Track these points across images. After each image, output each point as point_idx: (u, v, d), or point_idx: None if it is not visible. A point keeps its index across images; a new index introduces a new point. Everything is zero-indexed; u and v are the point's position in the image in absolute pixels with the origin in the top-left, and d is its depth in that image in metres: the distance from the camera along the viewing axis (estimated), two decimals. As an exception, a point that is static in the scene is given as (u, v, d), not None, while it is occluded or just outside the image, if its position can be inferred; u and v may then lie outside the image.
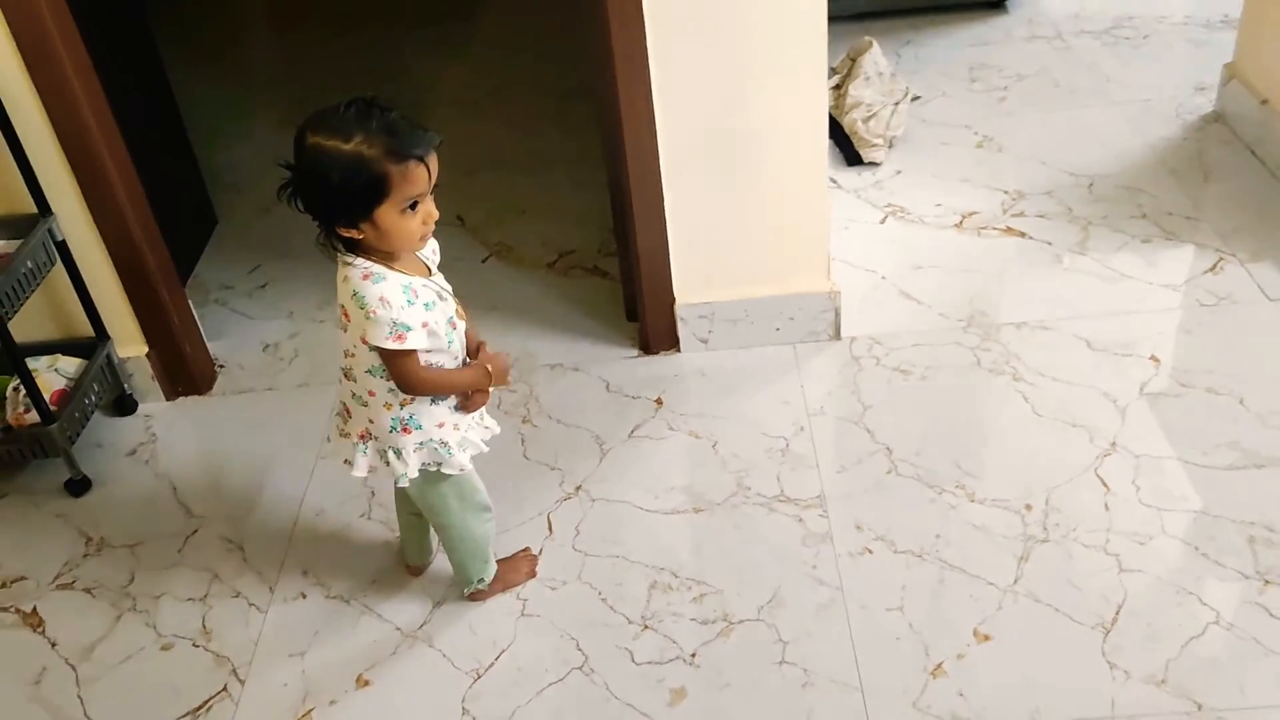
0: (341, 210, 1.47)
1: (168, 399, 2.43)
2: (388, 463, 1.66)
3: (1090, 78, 3.23)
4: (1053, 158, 2.86)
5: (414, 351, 1.54)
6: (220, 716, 1.76)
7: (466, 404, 1.67)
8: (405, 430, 1.63)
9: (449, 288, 1.63)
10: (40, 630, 1.95)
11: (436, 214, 1.53)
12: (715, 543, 1.95)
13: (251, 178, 3.24)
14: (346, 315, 1.54)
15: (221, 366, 2.52)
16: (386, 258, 1.53)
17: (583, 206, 2.89)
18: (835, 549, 1.90)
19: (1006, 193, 2.76)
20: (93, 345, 2.31)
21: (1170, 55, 3.31)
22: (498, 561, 1.88)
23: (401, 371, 1.56)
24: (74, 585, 2.03)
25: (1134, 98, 3.09)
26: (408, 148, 1.44)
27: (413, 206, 1.48)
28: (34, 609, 1.99)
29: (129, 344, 2.37)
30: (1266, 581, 1.75)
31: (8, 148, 2.05)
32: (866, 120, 3.01)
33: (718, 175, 2.17)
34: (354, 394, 1.65)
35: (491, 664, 1.79)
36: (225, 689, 1.81)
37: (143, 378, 2.40)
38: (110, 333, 2.33)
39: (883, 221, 2.72)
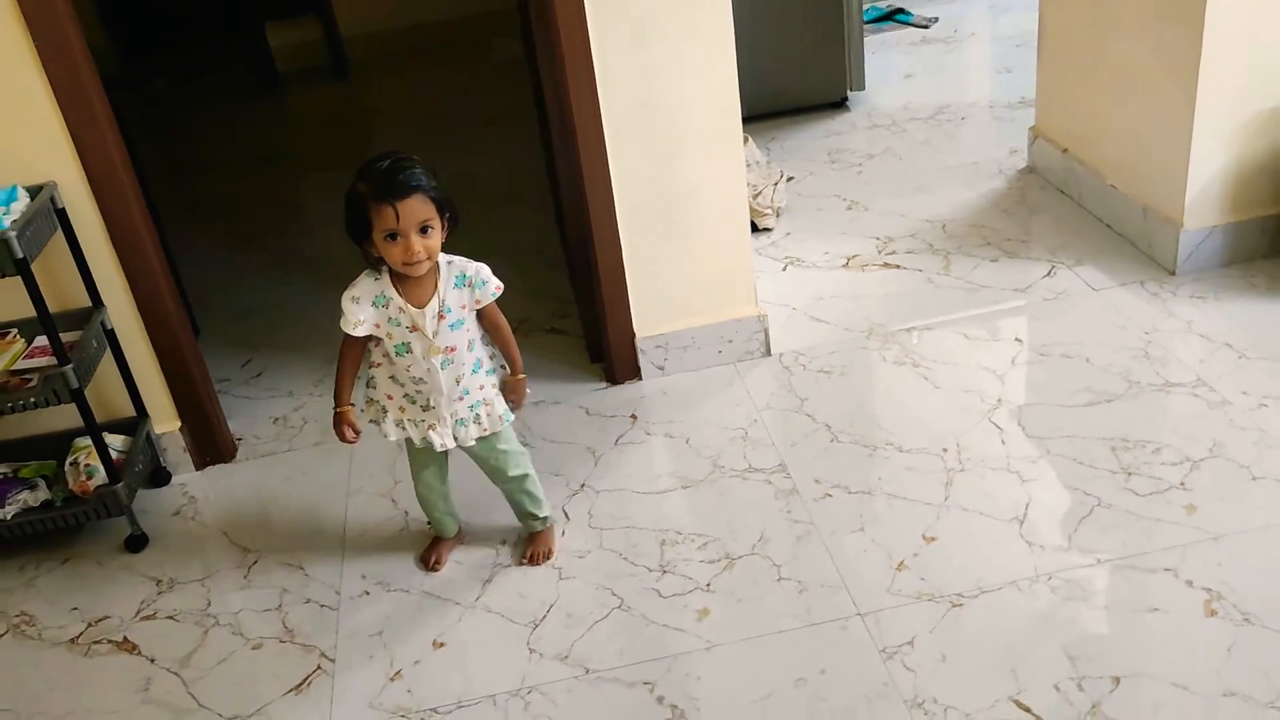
0: (355, 233, 1.94)
1: (197, 469, 2.74)
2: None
3: (926, 151, 3.94)
4: (910, 211, 3.51)
5: (350, 336, 2.01)
6: (322, 687, 2.08)
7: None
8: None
9: (431, 328, 1.98)
10: (136, 652, 2.22)
11: (416, 249, 1.88)
12: (705, 507, 2.39)
13: (220, 293, 3.60)
14: None
15: (240, 439, 2.84)
16: (397, 277, 1.98)
17: (531, 283, 3.35)
18: (802, 498, 2.37)
19: (878, 239, 3.37)
20: (134, 423, 2.62)
21: (985, 130, 4.07)
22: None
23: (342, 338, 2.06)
24: (156, 616, 2.31)
25: (963, 162, 3.80)
26: (380, 192, 1.86)
27: (393, 237, 1.89)
28: (124, 638, 2.26)
29: (163, 421, 2.68)
30: (1129, 474, 2.30)
31: (70, 253, 2.42)
32: (755, 197, 3.60)
33: (663, 230, 2.68)
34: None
35: (544, 616, 2.16)
36: (319, 668, 2.12)
37: (175, 451, 2.71)
38: (148, 411, 2.65)
39: (784, 269, 3.29)
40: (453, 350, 2.03)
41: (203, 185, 4.75)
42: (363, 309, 1.98)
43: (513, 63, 5.70)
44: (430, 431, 2.09)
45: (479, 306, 2.05)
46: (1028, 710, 1.83)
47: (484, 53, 5.97)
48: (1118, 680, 1.86)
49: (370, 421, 2.17)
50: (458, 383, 2.06)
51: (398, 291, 1.98)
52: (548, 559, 2.29)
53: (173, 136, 5.55)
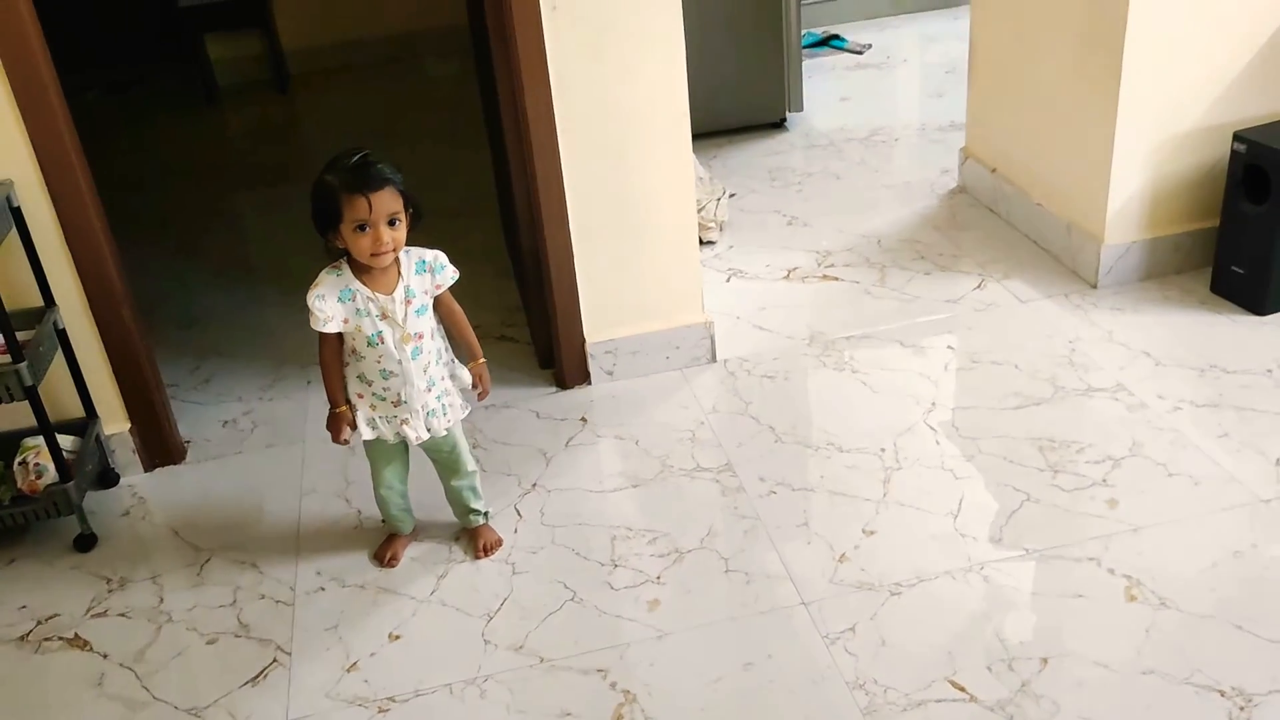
0: (322, 223, 1.99)
1: (146, 470, 2.74)
2: None
3: (862, 170, 4.08)
4: (847, 226, 3.64)
5: (324, 333, 2.04)
6: (278, 679, 2.10)
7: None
8: None
9: (401, 314, 2.05)
10: (88, 649, 2.22)
11: (385, 240, 1.94)
12: (655, 505, 2.46)
13: (164, 301, 3.60)
14: None
15: (189, 442, 2.85)
16: (359, 269, 2.04)
17: (479, 292, 3.38)
18: (748, 495, 2.45)
19: (817, 252, 3.49)
20: (83, 424, 2.62)
21: (917, 151, 4.23)
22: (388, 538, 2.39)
23: (318, 340, 2.08)
24: (107, 614, 2.31)
25: (897, 181, 3.95)
26: (353, 184, 1.93)
27: (362, 228, 1.95)
28: (75, 634, 2.26)
29: (112, 422, 2.69)
30: (1056, 472, 2.43)
31: (23, 249, 2.42)
32: (699, 212, 3.71)
33: (614, 238, 2.76)
34: None
35: (499, 608, 2.22)
36: (275, 660, 2.15)
37: (124, 452, 2.71)
38: (97, 411, 2.65)
39: (728, 281, 3.39)
40: (421, 337, 2.08)
41: (141, 197, 4.72)
42: (329, 305, 2.02)
43: (447, 81, 5.81)
44: (404, 426, 2.14)
45: (438, 291, 2.12)
46: (962, 689, 1.93)
47: (420, 71, 6.03)
48: (1045, 661, 1.97)
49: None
50: (425, 372, 2.11)
51: (362, 283, 2.03)
52: (499, 547, 2.35)
53: (108, 149, 5.51)
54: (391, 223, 1.96)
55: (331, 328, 2.03)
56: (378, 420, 2.14)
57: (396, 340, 2.06)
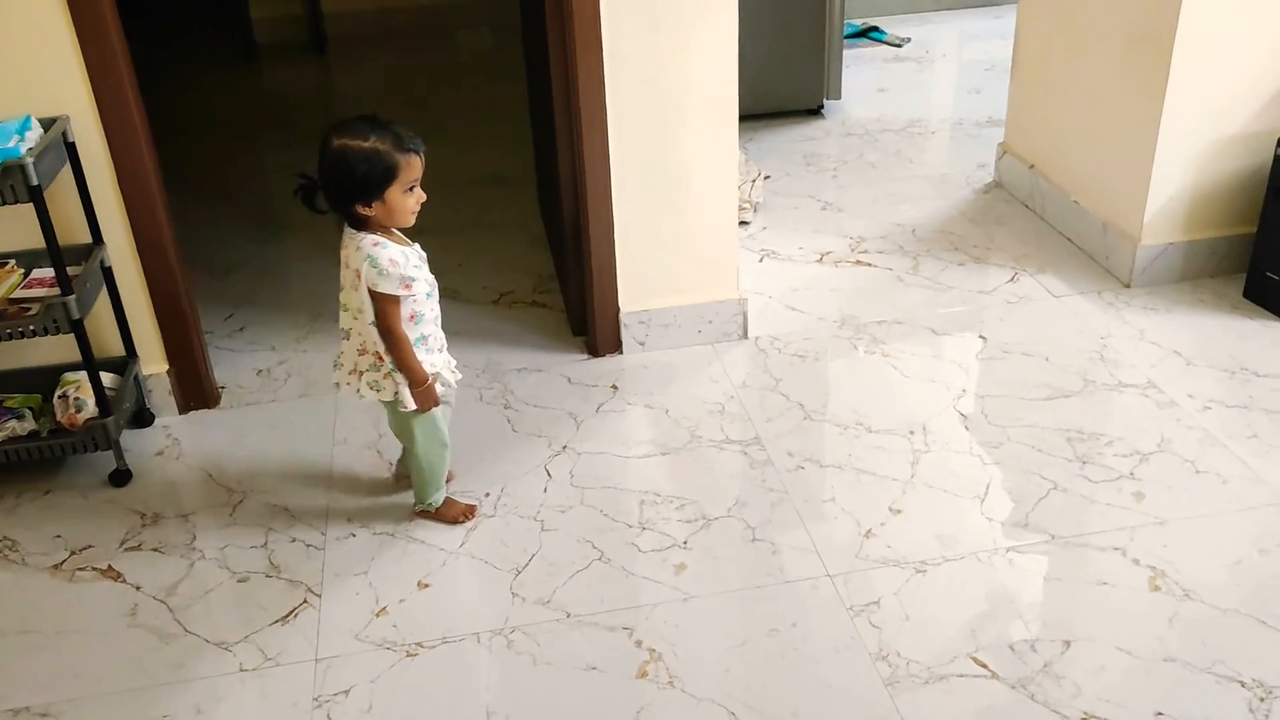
0: (362, 192, 1.99)
1: (181, 413, 2.77)
2: (376, 392, 2.16)
3: (897, 160, 4.09)
4: (881, 214, 3.65)
5: (394, 306, 2.05)
6: (307, 620, 2.14)
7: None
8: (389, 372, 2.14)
9: (424, 255, 2.18)
10: (121, 580, 2.26)
11: (424, 196, 2.06)
12: (683, 473, 2.49)
13: (200, 250, 3.62)
14: (359, 276, 2.04)
15: (223, 388, 2.88)
16: (385, 233, 2.07)
17: (512, 259, 3.44)
18: (776, 469, 2.48)
19: (851, 238, 3.51)
20: (123, 363, 2.65)
21: (954, 144, 4.24)
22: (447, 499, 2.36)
23: (388, 315, 2.06)
24: (140, 548, 2.34)
25: (933, 173, 3.96)
26: (406, 145, 1.99)
27: (410, 189, 2.02)
28: (109, 566, 2.29)
29: (151, 362, 2.72)
30: (1084, 462, 2.45)
31: (75, 188, 2.45)
32: (733, 192, 3.72)
33: (655, 209, 2.78)
34: (357, 346, 2.14)
35: (527, 564, 2.24)
36: (305, 601, 2.18)
37: (160, 393, 2.74)
38: (137, 351, 2.68)
39: (761, 261, 3.41)
40: None
41: (177, 147, 4.74)
42: (414, 270, 2.07)
43: (479, 51, 5.84)
44: (455, 368, 2.23)
45: None
46: (984, 666, 1.95)
47: (453, 41, 6.08)
48: (1068, 644, 1.99)
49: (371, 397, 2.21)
50: None
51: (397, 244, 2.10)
52: None
53: (146, 99, 5.53)
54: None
55: (425, 290, 2.09)
56: (445, 376, 2.20)
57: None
